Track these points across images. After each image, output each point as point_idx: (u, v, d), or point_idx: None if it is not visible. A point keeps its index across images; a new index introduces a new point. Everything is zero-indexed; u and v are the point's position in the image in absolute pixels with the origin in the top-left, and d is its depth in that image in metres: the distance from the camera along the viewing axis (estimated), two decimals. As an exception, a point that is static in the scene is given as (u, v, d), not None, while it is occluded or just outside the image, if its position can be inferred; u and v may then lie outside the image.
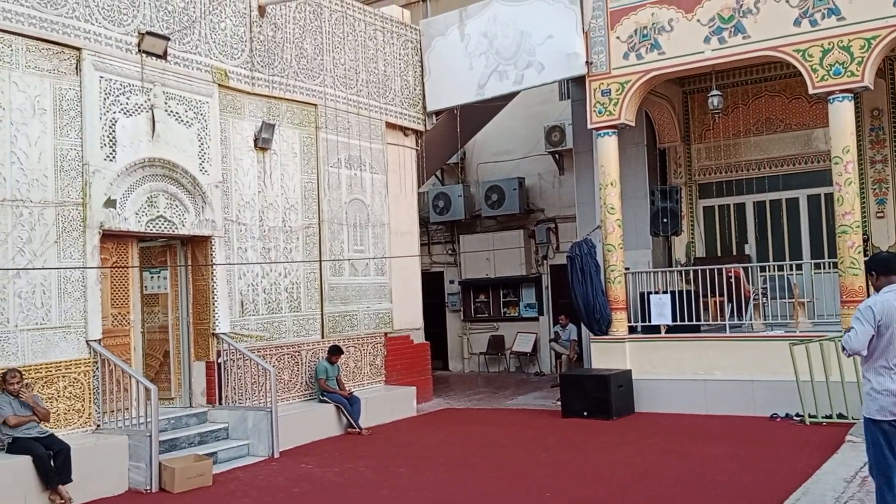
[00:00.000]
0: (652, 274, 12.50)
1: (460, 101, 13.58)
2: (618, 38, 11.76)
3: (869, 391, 4.88)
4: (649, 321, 11.78)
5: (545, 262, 17.34)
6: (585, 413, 11.03)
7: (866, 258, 5.28)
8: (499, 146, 17.67)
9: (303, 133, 11.53)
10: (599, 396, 11.01)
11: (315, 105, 11.68)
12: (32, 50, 8.26)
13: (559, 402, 11.75)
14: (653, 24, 11.47)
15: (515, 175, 17.19)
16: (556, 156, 16.79)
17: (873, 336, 4.78)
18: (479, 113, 14.43)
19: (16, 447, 7.51)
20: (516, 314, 17.81)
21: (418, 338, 13.62)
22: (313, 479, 8.30)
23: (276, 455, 9.36)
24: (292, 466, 8.92)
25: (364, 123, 12.54)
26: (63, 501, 7.42)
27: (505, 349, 17.69)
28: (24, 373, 7.82)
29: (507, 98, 14.44)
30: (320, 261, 11.61)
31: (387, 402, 11.86)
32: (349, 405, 10.87)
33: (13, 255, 8.00)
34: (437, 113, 13.97)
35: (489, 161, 17.88)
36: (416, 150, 13.88)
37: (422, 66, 13.74)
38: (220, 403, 10.00)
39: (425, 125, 13.85)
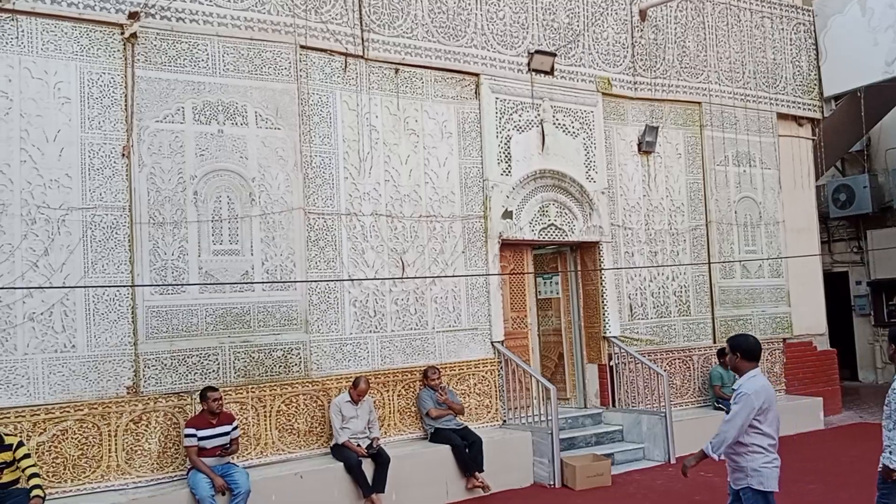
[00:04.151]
0: None
1: (864, 83, 12.22)
2: None
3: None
4: None
5: (980, 258, 14.80)
6: None
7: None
8: (913, 128, 15.51)
9: (687, 133, 11.28)
10: None
11: (699, 103, 11.36)
12: (439, 80, 9.23)
13: None
14: None
15: (936, 159, 14.95)
16: None
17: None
18: (887, 93, 12.81)
19: (437, 437, 8.41)
20: (943, 319, 15.45)
21: (822, 344, 12.48)
22: (715, 488, 8.03)
23: (673, 461, 9.24)
24: (691, 473, 8.70)
25: (752, 117, 11.87)
26: (481, 486, 8.13)
27: (929, 359, 15.40)
28: (441, 370, 8.74)
29: (924, 73, 12.63)
30: (709, 263, 11.23)
31: (789, 413, 10.99)
32: (747, 414, 10.32)
33: (429, 264, 8.99)
34: (836, 98, 12.74)
35: (901, 145, 15.78)
36: (813, 140, 12.78)
37: (816, 50, 12.65)
38: (613, 405, 10.17)
39: (822, 112, 12.70)
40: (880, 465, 5.13)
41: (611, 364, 10.23)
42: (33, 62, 6.92)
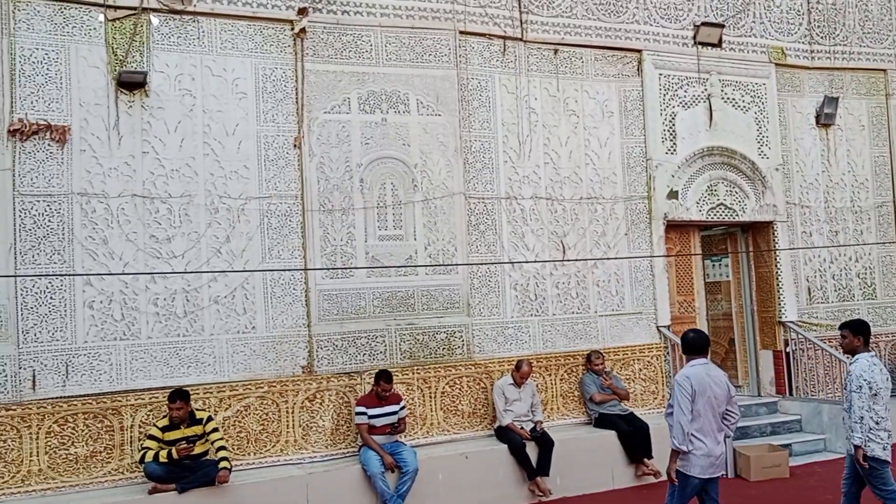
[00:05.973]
0: None
1: None
2: None
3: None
4: None
5: None
6: None
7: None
8: None
9: (871, 103, 10.44)
10: None
11: (884, 70, 10.48)
12: (599, 59, 9.02)
13: None
14: None
15: None
16: None
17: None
18: None
19: (602, 422, 8.26)
20: None
21: None
22: (906, 485, 7.41)
23: (858, 454, 8.61)
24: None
25: (948, 82, 10.81)
26: (651, 473, 7.92)
27: None
28: (604, 354, 8.58)
29: None
30: (898, 243, 10.37)
31: None
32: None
33: (590, 247, 8.84)
34: None
35: None
36: None
37: None
38: (790, 394, 9.61)
39: None
40: (848, 447, 5.44)
41: (787, 350, 9.67)
42: (213, 61, 7.38)
